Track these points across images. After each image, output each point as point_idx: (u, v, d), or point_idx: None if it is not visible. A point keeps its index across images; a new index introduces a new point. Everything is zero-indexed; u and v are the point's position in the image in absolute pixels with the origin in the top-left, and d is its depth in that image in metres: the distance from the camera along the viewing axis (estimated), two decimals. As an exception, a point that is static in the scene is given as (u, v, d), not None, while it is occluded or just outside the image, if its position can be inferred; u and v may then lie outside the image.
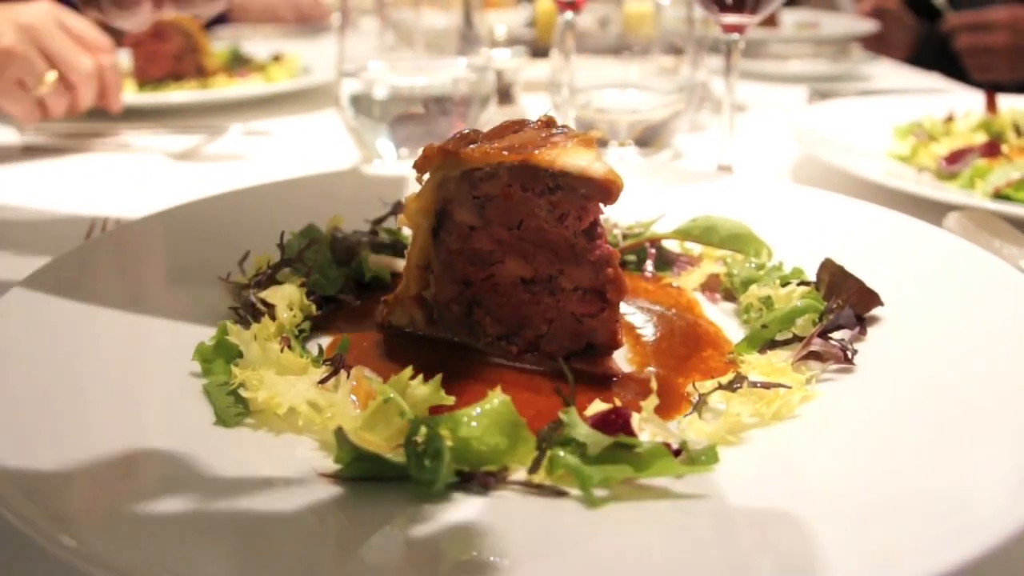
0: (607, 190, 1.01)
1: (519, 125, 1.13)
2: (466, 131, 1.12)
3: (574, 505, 0.82)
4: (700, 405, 1.00)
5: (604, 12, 2.78)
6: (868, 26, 4.12)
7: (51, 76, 2.15)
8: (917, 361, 1.06)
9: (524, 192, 1.06)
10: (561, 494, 0.84)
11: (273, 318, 1.13)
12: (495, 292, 1.14)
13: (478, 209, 1.10)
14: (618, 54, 2.47)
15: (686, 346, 1.19)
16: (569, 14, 1.94)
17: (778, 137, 2.38)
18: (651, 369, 1.12)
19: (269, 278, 1.20)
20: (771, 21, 3.99)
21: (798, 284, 1.22)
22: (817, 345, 1.08)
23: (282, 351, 1.01)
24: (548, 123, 1.12)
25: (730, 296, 1.33)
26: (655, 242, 1.44)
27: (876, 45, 4.32)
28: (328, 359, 1.07)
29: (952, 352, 1.06)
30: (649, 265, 1.44)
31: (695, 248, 1.45)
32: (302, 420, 0.94)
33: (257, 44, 3.50)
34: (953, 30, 4.09)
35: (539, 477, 0.86)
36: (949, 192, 1.72)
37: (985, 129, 2.10)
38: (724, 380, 1.02)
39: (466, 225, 1.12)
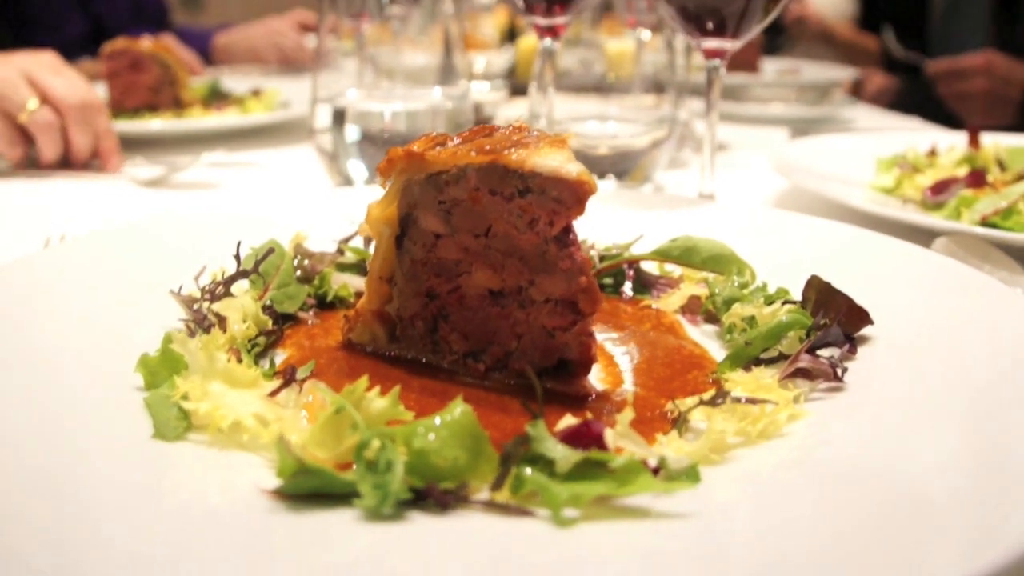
0: (579, 192, 0.94)
1: (490, 130, 1.05)
2: (433, 134, 1.05)
3: (542, 527, 0.74)
4: (681, 423, 0.92)
5: (586, 54, 2.74)
6: (847, 73, 4.11)
7: (32, 103, 2.10)
8: (909, 381, 0.99)
9: (492, 196, 0.98)
10: (527, 514, 0.75)
11: (225, 331, 1.04)
12: (461, 305, 1.06)
13: (444, 215, 1.02)
14: (600, 92, 2.42)
15: (669, 367, 1.11)
16: (548, 41, 1.88)
17: (760, 173, 2.33)
18: (629, 388, 1.04)
19: (223, 290, 1.11)
20: (752, 67, 3.97)
21: (783, 303, 1.14)
22: (805, 361, 1.00)
23: (229, 362, 0.92)
24: (520, 128, 1.05)
25: (712, 318, 1.25)
26: (633, 264, 1.37)
27: (857, 93, 4.31)
28: (279, 371, 0.99)
29: (945, 371, 0.99)
30: (627, 287, 1.36)
31: (675, 270, 1.38)
32: (247, 435, 0.86)
33: (237, 80, 3.44)
34: (934, 78, 4.09)
35: (503, 496, 0.78)
36: (936, 219, 1.66)
37: (969, 163, 2.04)
38: (706, 396, 0.94)
39: (431, 233, 1.04)
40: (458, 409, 0.79)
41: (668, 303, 1.29)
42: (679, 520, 0.75)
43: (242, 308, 1.07)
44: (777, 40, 5.54)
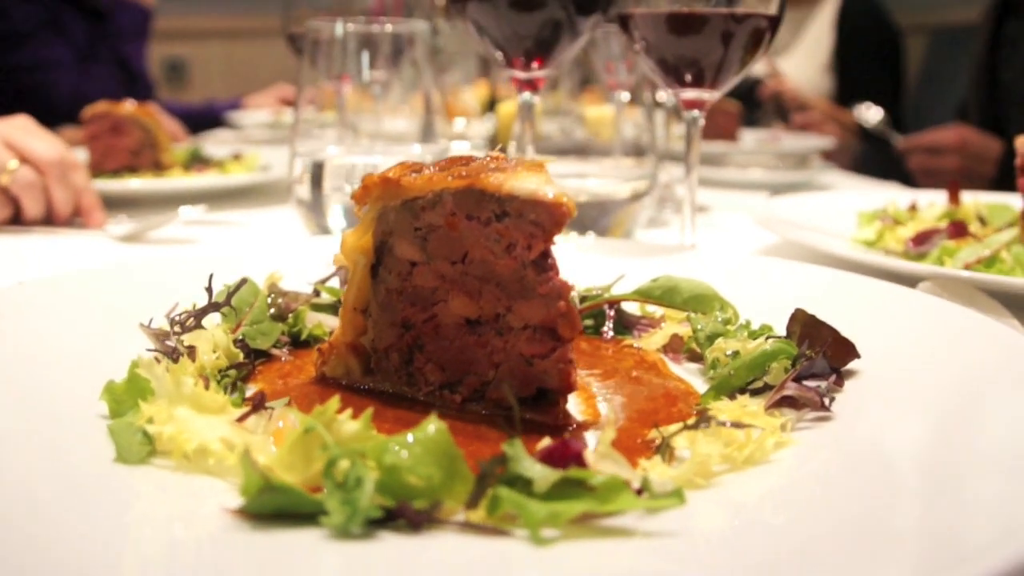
0: (557, 214, 0.92)
1: (467, 159, 1.04)
2: (409, 162, 1.03)
3: (520, 547, 0.70)
4: (664, 449, 0.89)
5: (565, 123, 2.75)
6: (825, 142, 4.16)
7: (12, 164, 2.10)
8: (898, 412, 0.97)
9: (469, 221, 0.97)
10: (504, 535, 0.72)
11: (194, 360, 1.01)
12: (437, 335, 1.03)
13: (420, 242, 1.00)
14: (580, 154, 2.42)
15: (652, 401, 1.07)
16: (527, 95, 1.89)
17: (741, 231, 2.33)
18: (611, 415, 1.01)
19: (194, 322, 1.09)
20: (731, 136, 4.01)
21: (767, 338, 1.12)
22: (791, 390, 0.98)
23: (196, 386, 0.89)
24: (497, 158, 1.03)
25: (695, 357, 1.22)
26: (614, 304, 1.35)
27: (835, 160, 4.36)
28: (249, 399, 0.95)
29: (935, 404, 0.97)
30: (608, 328, 1.33)
31: (656, 311, 1.36)
32: (213, 459, 0.82)
33: (219, 146, 3.45)
34: (905, 153, 4.12)
35: (479, 517, 0.74)
36: (920, 265, 1.65)
37: (949, 218, 2.04)
38: (690, 422, 0.91)
39: (407, 261, 1.02)
40: (431, 426, 0.76)
41: (650, 342, 1.27)
42: (662, 541, 0.72)
43: (212, 339, 1.04)
44: (755, 115, 5.62)
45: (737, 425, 0.88)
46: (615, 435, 0.79)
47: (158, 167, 2.80)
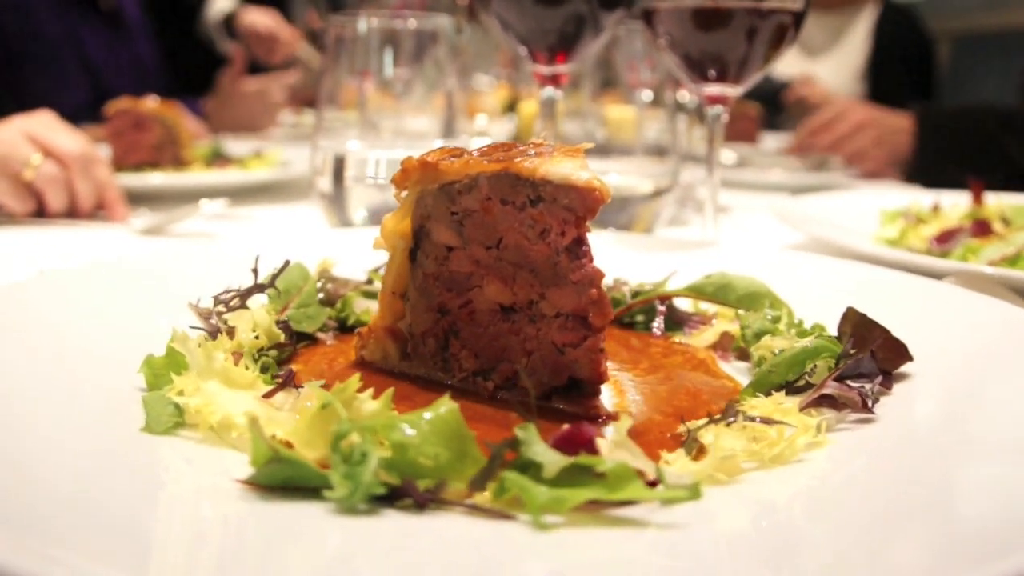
0: (589, 199, 0.85)
1: (508, 145, 1.00)
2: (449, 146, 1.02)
3: (522, 531, 0.66)
4: (689, 442, 0.82)
5: (586, 123, 2.74)
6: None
7: (36, 158, 2.08)
8: (944, 416, 0.91)
9: (504, 205, 0.91)
10: (509, 519, 0.67)
11: (232, 338, 0.98)
12: (472, 321, 0.97)
13: (456, 227, 0.94)
14: (601, 154, 2.41)
15: (694, 398, 1.00)
16: (550, 90, 1.87)
17: (763, 231, 2.26)
18: (633, 406, 0.99)
19: (239, 302, 1.07)
20: (751, 138, 3.99)
21: (816, 337, 1.03)
22: (831, 389, 0.89)
23: (227, 361, 0.86)
24: (539, 144, 1.00)
25: (745, 355, 1.14)
26: (665, 300, 1.27)
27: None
28: (278, 376, 0.95)
29: (985, 409, 0.90)
30: (658, 324, 1.27)
31: (709, 308, 1.28)
32: (236, 432, 0.78)
33: (240, 145, 3.45)
34: None
35: (485, 499, 0.69)
36: (945, 262, 1.61)
37: (972, 218, 2.01)
38: (717, 416, 0.85)
39: (444, 245, 0.96)
40: (443, 407, 0.70)
41: (699, 339, 1.19)
42: (670, 534, 0.66)
43: (253, 320, 1.00)
44: (777, 119, 5.58)
45: (767, 421, 0.81)
46: (631, 424, 0.72)
47: (179, 163, 2.75)
